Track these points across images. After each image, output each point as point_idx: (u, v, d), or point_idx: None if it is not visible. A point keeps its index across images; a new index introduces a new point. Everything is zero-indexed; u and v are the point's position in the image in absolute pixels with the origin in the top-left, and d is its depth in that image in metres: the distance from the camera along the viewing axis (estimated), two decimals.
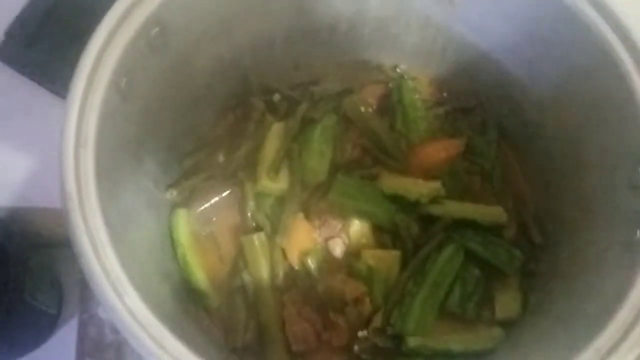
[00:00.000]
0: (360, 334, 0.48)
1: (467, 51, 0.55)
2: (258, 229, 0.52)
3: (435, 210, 0.52)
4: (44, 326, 0.69)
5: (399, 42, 0.57)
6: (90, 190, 0.35)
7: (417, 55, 0.58)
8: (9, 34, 0.43)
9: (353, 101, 0.57)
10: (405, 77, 0.59)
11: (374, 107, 0.58)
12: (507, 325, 0.50)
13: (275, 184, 0.53)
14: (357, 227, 0.52)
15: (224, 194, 0.53)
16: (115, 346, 0.55)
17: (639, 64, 0.41)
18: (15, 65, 0.42)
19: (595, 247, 0.44)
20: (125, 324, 0.32)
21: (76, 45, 0.37)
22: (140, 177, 0.46)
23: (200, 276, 0.50)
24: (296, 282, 0.50)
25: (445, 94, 0.59)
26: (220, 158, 0.55)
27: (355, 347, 0.48)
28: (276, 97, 0.57)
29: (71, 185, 0.34)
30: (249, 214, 0.53)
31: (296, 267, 0.51)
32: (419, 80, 0.59)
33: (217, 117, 0.56)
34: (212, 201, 0.53)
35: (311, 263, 0.50)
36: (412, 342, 0.47)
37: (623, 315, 0.35)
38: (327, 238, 0.52)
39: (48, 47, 0.42)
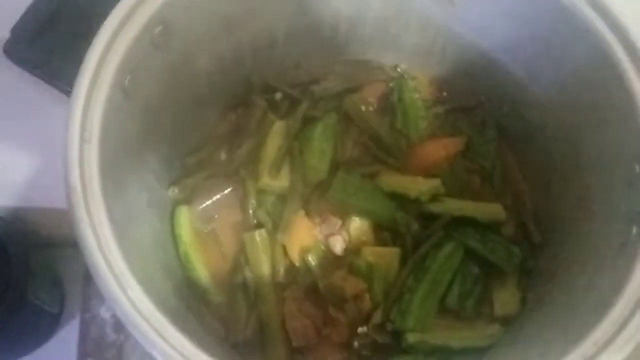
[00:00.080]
0: (360, 330, 0.49)
1: (467, 51, 0.56)
2: (259, 226, 0.52)
3: (435, 208, 0.52)
4: (45, 325, 0.69)
5: (400, 42, 0.58)
6: (95, 185, 0.36)
7: (417, 55, 0.59)
8: (15, 31, 0.44)
9: (354, 100, 0.58)
10: (406, 76, 0.59)
11: (375, 106, 0.59)
12: (506, 322, 0.50)
13: (277, 182, 0.53)
14: (358, 225, 0.52)
15: (226, 192, 0.54)
16: (116, 345, 0.55)
17: (636, 64, 0.42)
18: (21, 63, 0.43)
19: (592, 244, 0.44)
20: (129, 316, 0.32)
21: (81, 43, 0.37)
22: (143, 174, 0.47)
23: (202, 272, 0.50)
24: (297, 279, 0.51)
25: (445, 94, 0.60)
26: (222, 156, 0.56)
27: (355, 343, 0.49)
28: (277, 95, 0.57)
29: (75, 180, 0.35)
30: (250, 212, 0.53)
31: (297, 264, 0.51)
32: (419, 79, 0.60)
33: (219, 116, 0.57)
34: (214, 198, 0.54)
35: (312, 260, 0.51)
36: (412, 338, 0.48)
37: (619, 309, 0.35)
38: (327, 235, 0.52)
39: (53, 44, 0.42)
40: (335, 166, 0.55)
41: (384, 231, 0.53)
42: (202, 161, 0.55)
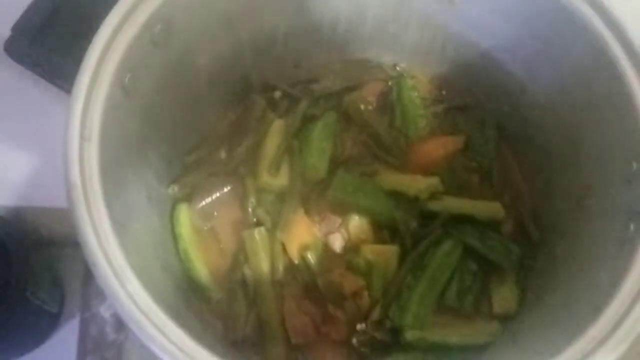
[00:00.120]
0: (359, 327, 0.49)
1: (467, 50, 0.56)
2: (259, 224, 0.52)
3: (434, 206, 0.53)
4: (45, 325, 0.69)
5: (399, 41, 0.58)
6: (94, 182, 0.36)
7: (416, 53, 0.59)
8: (16, 29, 0.44)
9: (353, 99, 0.58)
10: (405, 75, 0.60)
11: (374, 104, 0.59)
12: (504, 319, 0.50)
13: (276, 180, 0.54)
14: (357, 223, 0.53)
15: (226, 190, 0.54)
16: (116, 345, 0.55)
17: (634, 62, 0.42)
18: (22, 60, 0.43)
19: (591, 241, 0.45)
20: (128, 311, 0.33)
21: (81, 41, 0.37)
22: (143, 172, 0.47)
23: (201, 270, 0.50)
24: (296, 276, 0.51)
25: (444, 92, 0.60)
26: (222, 154, 0.56)
27: (354, 340, 0.49)
28: (277, 94, 0.58)
29: (76, 178, 0.35)
30: (249, 210, 0.53)
31: (296, 262, 0.51)
32: (419, 78, 0.60)
33: (219, 114, 0.57)
34: (214, 197, 0.54)
35: (311, 257, 0.51)
36: (410, 335, 0.48)
37: (617, 304, 0.35)
38: (326, 233, 0.53)
39: (54, 42, 0.43)
40: (334, 165, 0.55)
41: (383, 229, 0.53)
42: (202, 159, 0.55)
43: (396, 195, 0.53)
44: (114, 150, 0.39)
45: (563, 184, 0.51)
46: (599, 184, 0.45)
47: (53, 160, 0.41)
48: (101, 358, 0.55)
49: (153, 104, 0.45)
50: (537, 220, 0.54)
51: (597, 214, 0.45)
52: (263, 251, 0.51)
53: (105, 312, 0.57)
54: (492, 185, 0.56)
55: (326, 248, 0.52)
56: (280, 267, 0.51)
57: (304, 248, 0.51)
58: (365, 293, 0.50)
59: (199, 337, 0.34)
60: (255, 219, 0.53)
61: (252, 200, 0.53)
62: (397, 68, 0.60)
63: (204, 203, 0.53)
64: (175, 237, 0.51)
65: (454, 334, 0.49)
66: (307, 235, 0.52)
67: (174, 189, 0.53)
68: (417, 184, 0.53)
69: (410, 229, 0.52)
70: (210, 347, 0.34)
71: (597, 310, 0.36)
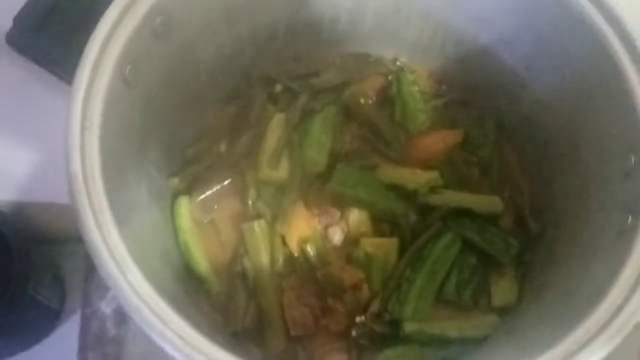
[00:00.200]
0: (358, 319, 0.49)
1: (466, 44, 0.56)
2: (258, 216, 0.53)
3: (433, 199, 0.53)
4: (46, 320, 0.69)
5: (399, 35, 0.58)
6: (95, 173, 0.36)
7: (416, 48, 0.59)
8: (18, 20, 0.44)
9: (353, 93, 0.58)
10: (405, 69, 0.60)
11: (374, 98, 0.59)
12: (503, 312, 0.51)
13: (276, 173, 0.54)
14: (356, 216, 0.53)
15: (226, 183, 0.54)
16: (117, 340, 0.56)
17: (633, 57, 0.42)
18: (23, 51, 0.44)
19: (589, 234, 0.45)
20: (128, 299, 0.33)
21: (83, 31, 0.37)
22: (143, 164, 0.47)
23: (201, 262, 0.51)
24: (295, 269, 0.51)
25: (444, 87, 0.60)
26: (222, 147, 0.56)
27: (353, 332, 0.49)
28: (277, 88, 0.58)
29: (77, 168, 0.35)
30: (249, 202, 0.53)
31: (295, 254, 0.52)
32: (419, 72, 0.60)
33: (219, 107, 0.57)
34: (214, 189, 0.54)
35: (310, 250, 0.51)
36: (409, 327, 0.48)
37: (614, 296, 0.35)
38: (326, 226, 0.53)
39: (56, 33, 0.43)
40: (334, 158, 0.55)
41: (383, 222, 0.53)
42: (202, 152, 0.55)
43: (396, 189, 0.53)
44: (115, 141, 0.40)
45: (562, 177, 0.51)
46: (598, 178, 0.46)
47: (55, 155, 0.41)
48: (102, 353, 0.55)
49: (154, 96, 0.45)
50: (536, 214, 0.54)
51: (595, 207, 0.45)
52: (263, 244, 0.51)
53: (106, 307, 0.57)
54: (491, 179, 0.56)
55: (326, 241, 0.52)
56: (280, 260, 0.51)
57: (304, 241, 0.52)
58: (365, 286, 0.50)
59: (199, 327, 0.34)
60: (255, 212, 0.53)
61: (252, 193, 0.54)
62: (398, 62, 0.60)
63: (204, 196, 0.53)
64: (175, 229, 0.51)
65: (453, 327, 0.49)
66: (306, 228, 0.52)
67: (174, 182, 0.53)
68: (417, 178, 0.53)
69: (410, 223, 0.53)
70: (210, 337, 0.34)
71: (594, 301, 0.36)
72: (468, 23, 0.54)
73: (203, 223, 0.53)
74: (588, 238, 0.45)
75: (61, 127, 0.36)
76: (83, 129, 0.37)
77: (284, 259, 0.51)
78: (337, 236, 0.52)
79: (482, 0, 0.51)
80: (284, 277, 0.51)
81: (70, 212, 0.35)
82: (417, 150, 0.57)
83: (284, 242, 0.52)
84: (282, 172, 0.54)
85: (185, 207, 0.52)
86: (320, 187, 0.54)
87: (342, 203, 0.54)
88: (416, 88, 0.59)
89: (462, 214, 0.52)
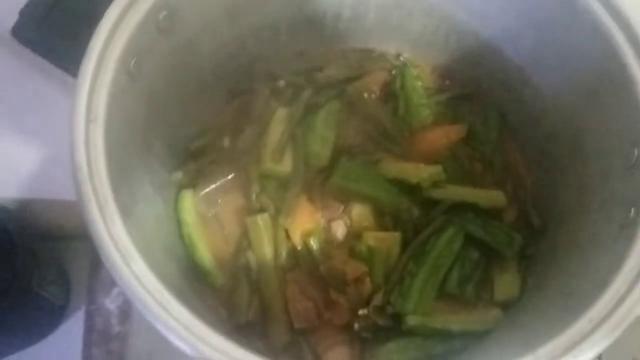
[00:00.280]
0: (361, 312, 0.49)
1: (470, 39, 0.56)
2: (262, 210, 0.53)
3: (436, 194, 0.53)
4: (51, 317, 0.69)
5: (402, 30, 0.58)
6: (100, 164, 0.36)
7: (419, 43, 0.59)
8: (24, 13, 0.45)
9: (357, 88, 0.58)
10: (408, 64, 0.60)
11: (377, 93, 0.59)
12: (506, 306, 0.51)
13: (279, 167, 0.54)
14: (359, 210, 0.53)
15: (229, 177, 0.55)
16: (121, 337, 0.56)
17: (635, 47, 0.42)
18: (29, 44, 0.44)
19: (592, 228, 0.45)
20: (133, 289, 0.33)
21: (88, 25, 0.38)
22: (148, 158, 0.47)
23: (205, 255, 0.51)
24: (299, 262, 0.51)
25: (447, 82, 0.60)
26: (226, 142, 0.56)
27: (356, 325, 0.49)
28: (281, 83, 0.58)
29: (81, 159, 0.36)
30: (253, 196, 0.54)
31: (299, 248, 0.52)
32: (422, 67, 0.60)
33: (223, 102, 0.57)
34: (218, 183, 0.54)
35: (313, 243, 0.51)
36: (412, 320, 0.48)
37: (616, 287, 0.36)
38: (329, 220, 0.53)
39: (61, 26, 0.43)
40: (337, 152, 0.55)
41: (386, 216, 0.53)
42: (206, 147, 0.55)
43: (399, 183, 0.53)
44: (119, 134, 0.40)
45: (565, 171, 0.51)
46: (601, 171, 0.46)
47: (60, 152, 0.41)
48: (106, 350, 0.56)
49: (158, 90, 0.46)
50: (539, 208, 0.54)
51: (598, 200, 0.45)
52: (266, 237, 0.51)
53: (110, 304, 0.57)
54: (494, 173, 0.56)
55: (329, 234, 0.52)
56: (283, 253, 0.51)
57: (307, 234, 0.52)
58: (368, 279, 0.50)
59: (203, 319, 0.35)
60: (258, 206, 0.53)
61: (256, 187, 0.54)
62: (401, 58, 0.61)
63: (208, 189, 0.54)
64: (179, 223, 0.51)
65: (455, 321, 0.49)
66: (310, 222, 0.53)
67: (178, 176, 0.53)
68: (420, 172, 0.53)
69: (413, 217, 0.53)
70: (214, 329, 0.34)
71: (596, 294, 0.36)
72: (471, 18, 0.54)
73: (207, 217, 0.53)
74: (591, 231, 0.45)
75: (66, 122, 0.36)
76: (88, 121, 0.37)
77: (288, 253, 0.52)
78: (340, 230, 0.53)
79: None
80: (288, 271, 0.51)
81: (75, 209, 0.35)
82: (420, 145, 0.57)
83: (288, 236, 0.52)
84: (285, 166, 0.54)
85: (189, 201, 0.52)
86: (323, 182, 0.54)
87: (345, 197, 0.54)
88: (420, 83, 0.59)
89: (465, 208, 0.52)
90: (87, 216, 0.34)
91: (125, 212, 0.37)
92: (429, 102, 0.59)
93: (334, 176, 0.53)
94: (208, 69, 0.53)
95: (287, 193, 0.53)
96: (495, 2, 0.51)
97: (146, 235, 0.42)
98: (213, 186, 0.54)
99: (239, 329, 0.49)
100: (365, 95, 0.59)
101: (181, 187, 0.53)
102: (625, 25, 0.43)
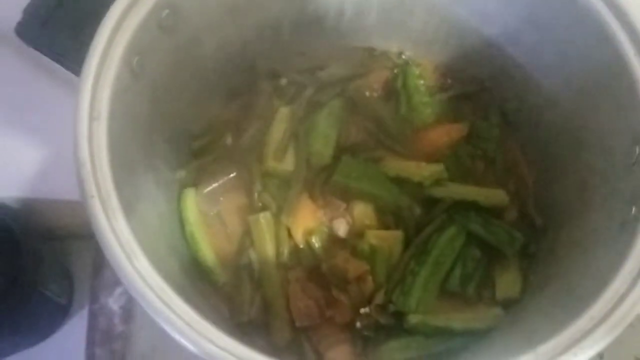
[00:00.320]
0: (363, 311, 0.49)
1: (471, 38, 0.56)
2: (264, 208, 0.53)
3: (438, 192, 0.53)
4: (54, 316, 0.70)
5: (404, 29, 0.58)
6: (103, 161, 0.37)
7: (421, 41, 0.59)
8: (27, 12, 0.45)
9: (359, 86, 0.58)
10: (410, 63, 0.60)
11: (379, 92, 0.59)
12: (507, 304, 0.51)
13: (282, 166, 0.54)
14: (361, 208, 0.53)
15: (232, 175, 0.55)
16: (124, 337, 0.56)
17: (636, 45, 0.42)
18: (33, 43, 0.45)
19: (593, 226, 0.45)
20: (135, 285, 0.33)
21: (91, 23, 0.38)
22: (150, 155, 0.47)
23: (207, 253, 0.51)
24: (301, 260, 0.52)
25: (449, 80, 0.60)
26: (228, 140, 0.56)
27: (358, 324, 0.49)
28: (283, 81, 0.58)
29: (85, 156, 0.36)
30: (255, 195, 0.54)
31: (301, 246, 0.52)
32: (424, 66, 0.60)
33: (225, 100, 0.57)
34: (220, 182, 0.54)
35: (315, 242, 0.52)
36: (413, 319, 0.48)
37: (616, 285, 0.36)
38: (331, 218, 0.53)
39: (65, 25, 0.44)
40: (339, 151, 0.55)
41: (387, 215, 0.53)
42: (209, 145, 0.56)
43: (400, 182, 0.53)
44: (122, 131, 0.40)
45: (566, 170, 0.51)
46: (602, 169, 0.46)
47: (64, 152, 0.42)
48: (109, 350, 0.56)
49: (161, 88, 0.46)
50: (540, 207, 0.54)
51: (599, 198, 0.45)
52: (268, 235, 0.52)
53: (113, 304, 0.57)
54: (496, 172, 0.56)
55: (331, 233, 0.52)
56: (285, 251, 0.52)
57: (309, 232, 0.52)
58: (369, 277, 0.50)
59: (204, 314, 0.35)
60: (260, 204, 0.54)
61: (258, 185, 0.54)
62: (403, 56, 0.61)
63: (210, 188, 0.54)
64: (182, 221, 0.51)
65: (457, 319, 0.49)
66: (312, 220, 0.53)
67: (181, 174, 0.53)
68: (422, 171, 0.53)
69: (414, 215, 0.53)
70: (216, 327, 0.34)
71: (597, 292, 0.36)
72: (471, 16, 0.54)
73: (209, 215, 0.53)
74: (592, 229, 0.45)
75: (69, 121, 0.37)
76: (91, 118, 0.37)
77: (290, 251, 0.52)
78: (342, 228, 0.53)
79: None
80: (290, 269, 0.51)
81: (78, 209, 0.35)
82: (422, 144, 0.57)
83: (290, 234, 0.52)
84: (287, 164, 0.54)
85: (191, 200, 0.52)
86: (325, 180, 0.54)
87: (347, 195, 0.54)
88: (422, 81, 0.59)
89: (466, 206, 0.53)
90: (90, 212, 0.35)
91: (128, 209, 0.37)
92: (431, 100, 0.59)
93: (336, 175, 0.53)
94: (210, 67, 0.53)
95: (289, 191, 0.53)
96: (494, 1, 0.51)
97: (149, 233, 0.42)
98: (215, 184, 0.54)
99: (241, 327, 0.50)
100: (367, 93, 0.59)
101: (184, 185, 0.53)
102: (626, 23, 0.43)
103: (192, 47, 0.48)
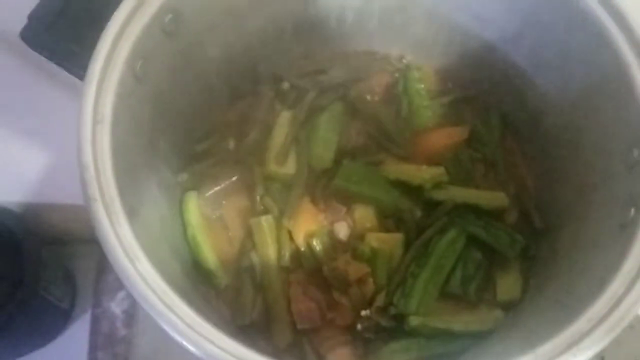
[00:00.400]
0: (364, 313, 0.50)
1: (471, 41, 0.56)
2: (266, 212, 0.53)
3: (438, 195, 0.53)
4: (57, 320, 0.70)
5: (405, 33, 0.59)
6: (106, 164, 0.37)
7: (422, 46, 0.60)
8: (32, 17, 0.46)
9: (359, 90, 0.59)
10: (411, 67, 0.60)
11: (380, 95, 0.60)
12: (508, 307, 0.51)
13: (283, 169, 0.55)
14: (362, 211, 0.53)
15: (234, 179, 0.55)
16: (127, 340, 0.56)
17: (635, 48, 0.42)
18: (38, 48, 0.45)
19: (592, 227, 0.45)
20: (138, 288, 0.33)
21: (95, 28, 0.39)
22: (153, 159, 0.48)
23: (209, 256, 0.51)
24: (302, 263, 0.52)
25: (450, 84, 0.61)
26: (231, 144, 0.57)
27: (359, 326, 0.49)
28: (285, 85, 0.58)
29: (88, 158, 0.36)
30: (257, 198, 0.54)
31: (302, 249, 0.52)
32: (425, 70, 0.60)
33: (227, 104, 0.58)
34: (222, 185, 0.55)
35: (316, 245, 0.52)
36: (414, 321, 0.48)
37: (615, 287, 0.36)
38: (332, 221, 0.53)
39: (70, 30, 0.44)
40: (340, 154, 0.55)
41: (388, 218, 0.54)
42: (211, 148, 0.56)
43: (401, 185, 0.54)
44: (126, 135, 0.41)
45: (566, 172, 0.51)
46: (601, 171, 0.46)
47: (67, 156, 0.42)
48: (112, 353, 0.56)
49: (164, 92, 0.46)
50: (540, 209, 0.54)
51: (599, 200, 0.45)
52: (270, 238, 0.52)
53: (116, 308, 0.58)
54: (496, 175, 0.57)
55: (332, 236, 0.53)
56: (287, 254, 0.52)
57: (310, 235, 0.52)
58: (370, 280, 0.51)
59: (206, 316, 0.35)
60: (262, 207, 0.54)
61: (260, 189, 0.54)
62: (404, 60, 0.61)
63: (212, 191, 0.54)
64: (184, 224, 0.52)
65: (458, 321, 0.50)
66: (313, 223, 0.53)
67: (183, 177, 0.54)
68: (422, 174, 0.54)
69: (415, 218, 0.53)
70: (217, 325, 0.35)
71: (596, 291, 0.37)
72: (471, 21, 0.55)
73: (211, 218, 0.54)
74: (591, 231, 0.45)
75: (72, 126, 0.37)
76: (95, 122, 0.38)
77: (291, 254, 0.52)
78: (343, 231, 0.53)
79: None
80: (291, 272, 0.52)
81: (81, 213, 0.36)
82: (422, 147, 0.57)
83: (291, 237, 0.52)
84: (289, 168, 0.55)
85: (193, 203, 0.53)
86: (326, 183, 0.55)
87: (348, 199, 0.54)
88: (422, 85, 0.59)
89: (467, 209, 0.53)
90: (94, 215, 0.35)
91: (131, 213, 0.37)
92: (432, 104, 0.59)
93: (337, 178, 0.54)
94: (213, 72, 0.53)
95: (291, 195, 0.54)
96: (495, 5, 0.52)
97: (151, 236, 0.42)
98: (218, 188, 0.55)
99: (243, 330, 0.50)
100: (368, 97, 0.59)
101: (186, 188, 0.53)
102: (625, 26, 0.43)
103: (195, 51, 0.49)
